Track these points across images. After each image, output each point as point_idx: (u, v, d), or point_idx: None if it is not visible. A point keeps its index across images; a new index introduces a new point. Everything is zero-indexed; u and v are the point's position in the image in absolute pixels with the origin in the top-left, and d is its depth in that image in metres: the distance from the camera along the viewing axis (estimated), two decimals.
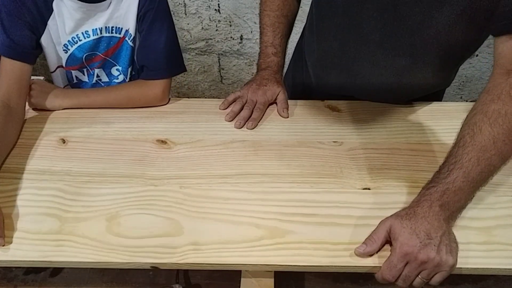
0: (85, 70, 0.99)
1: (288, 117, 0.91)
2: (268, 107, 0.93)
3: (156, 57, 0.92)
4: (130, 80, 1.02)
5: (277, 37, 0.96)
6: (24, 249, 0.66)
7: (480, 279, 0.80)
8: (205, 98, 1.95)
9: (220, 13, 1.66)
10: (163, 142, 0.85)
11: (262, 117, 0.91)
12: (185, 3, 1.63)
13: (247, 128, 0.88)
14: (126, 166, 0.80)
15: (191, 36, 1.74)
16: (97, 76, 1.00)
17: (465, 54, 0.85)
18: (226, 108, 0.93)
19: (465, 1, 0.69)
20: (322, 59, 0.94)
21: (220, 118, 0.91)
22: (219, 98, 0.96)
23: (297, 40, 1.09)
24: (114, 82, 1.01)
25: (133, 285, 0.80)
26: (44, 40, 0.90)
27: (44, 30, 0.89)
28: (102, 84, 1.01)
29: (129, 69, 1.00)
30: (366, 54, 0.85)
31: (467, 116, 0.69)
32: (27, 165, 0.80)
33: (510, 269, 0.65)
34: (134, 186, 0.76)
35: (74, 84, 1.02)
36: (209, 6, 1.64)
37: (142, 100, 0.93)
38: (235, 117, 0.90)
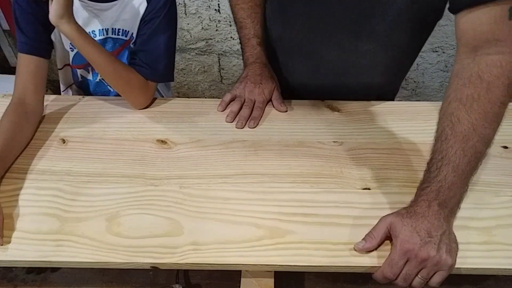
0: (89, 68, 0.99)
1: (287, 110, 0.92)
2: (266, 104, 0.93)
3: (151, 62, 0.92)
4: None
5: (257, 27, 0.94)
6: (24, 249, 0.66)
7: (480, 279, 0.79)
8: (205, 98, 1.95)
9: (220, 13, 1.67)
10: (163, 142, 0.85)
11: (262, 116, 0.91)
12: (185, 3, 1.63)
13: (248, 127, 0.88)
14: (126, 166, 0.80)
15: (191, 36, 1.74)
16: (101, 75, 1.00)
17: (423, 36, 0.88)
18: (224, 110, 0.92)
19: None
20: (288, 46, 0.94)
21: (220, 118, 0.91)
22: (219, 98, 0.95)
23: None
24: None
25: (133, 285, 0.80)
26: (53, 36, 0.91)
27: (54, 27, 0.89)
28: (105, 83, 1.01)
29: None
30: (331, 38, 0.86)
31: (442, 105, 0.68)
32: (27, 165, 0.79)
33: (510, 269, 0.65)
34: (134, 186, 0.76)
35: (79, 83, 1.02)
36: (209, 6, 1.65)
37: (125, 83, 0.89)
38: (235, 117, 0.90)
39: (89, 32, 0.91)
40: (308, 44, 0.90)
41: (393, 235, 0.63)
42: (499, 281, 0.79)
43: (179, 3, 1.63)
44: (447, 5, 0.70)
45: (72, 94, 1.07)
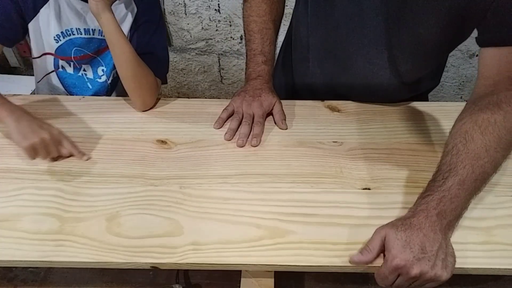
0: (71, 63, 1.00)
1: (287, 128, 0.88)
2: (267, 118, 0.90)
3: (159, 62, 0.95)
4: (112, 82, 1.04)
5: (266, 44, 0.92)
6: (24, 249, 0.66)
7: (480, 280, 0.79)
8: (205, 98, 1.95)
9: (220, 13, 1.67)
10: (163, 142, 0.85)
11: (263, 131, 0.87)
12: (185, 3, 1.63)
13: (251, 146, 0.84)
14: (126, 166, 0.80)
15: (191, 36, 1.74)
16: (84, 70, 1.02)
17: (448, 50, 0.87)
18: (221, 127, 0.89)
19: (460, 5, 0.69)
20: (317, 51, 0.93)
21: None
22: (219, 98, 0.95)
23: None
24: (97, 81, 1.03)
25: (133, 285, 0.80)
26: (31, 25, 0.91)
27: (34, 16, 0.90)
28: (86, 79, 1.02)
29: (113, 72, 1.02)
30: (362, 49, 0.84)
31: (455, 125, 0.69)
32: (27, 165, 0.80)
33: (510, 269, 0.65)
34: (134, 186, 0.76)
35: (58, 72, 1.03)
36: (209, 6, 1.65)
37: (144, 80, 0.91)
38: (234, 134, 0.86)
39: (77, 28, 0.93)
40: (339, 49, 0.88)
41: (386, 248, 0.62)
42: (499, 281, 0.80)
43: (179, 3, 1.63)
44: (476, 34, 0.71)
45: (48, 88, 1.06)
